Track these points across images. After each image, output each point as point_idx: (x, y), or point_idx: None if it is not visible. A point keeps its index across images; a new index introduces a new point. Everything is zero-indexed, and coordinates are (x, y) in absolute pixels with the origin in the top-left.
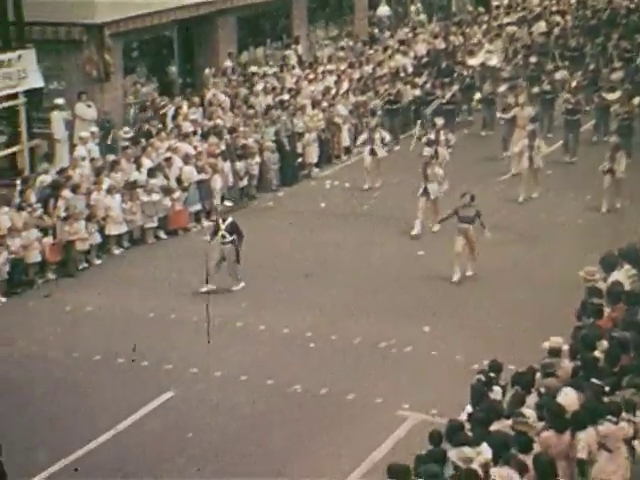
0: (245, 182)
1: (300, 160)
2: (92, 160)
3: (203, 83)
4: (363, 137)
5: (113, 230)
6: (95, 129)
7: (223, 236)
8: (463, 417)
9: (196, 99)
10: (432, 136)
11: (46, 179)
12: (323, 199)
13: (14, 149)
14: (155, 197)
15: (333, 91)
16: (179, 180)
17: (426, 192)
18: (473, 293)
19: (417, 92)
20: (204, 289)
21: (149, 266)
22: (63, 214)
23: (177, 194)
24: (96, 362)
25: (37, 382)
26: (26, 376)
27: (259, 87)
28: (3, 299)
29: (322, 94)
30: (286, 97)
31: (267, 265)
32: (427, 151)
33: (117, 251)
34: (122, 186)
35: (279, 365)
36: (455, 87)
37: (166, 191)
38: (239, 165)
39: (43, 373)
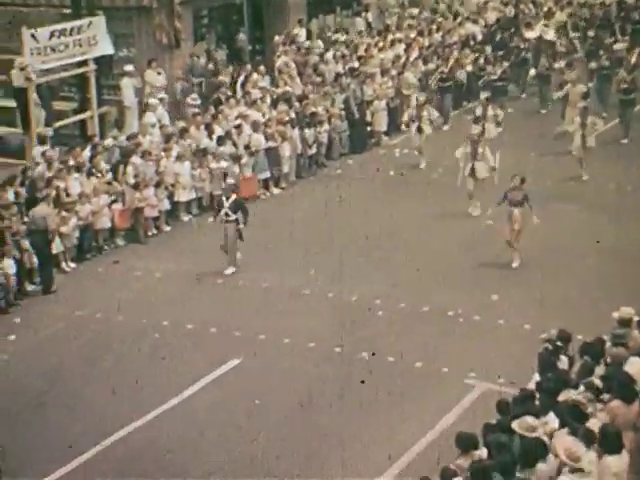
0: (314, 150)
1: (369, 128)
2: (162, 127)
3: (272, 50)
4: (410, 113)
5: (182, 197)
6: (164, 96)
7: (226, 214)
8: (531, 386)
9: (265, 67)
10: (479, 112)
11: (115, 146)
12: (392, 167)
13: (84, 116)
14: (224, 164)
15: (403, 59)
16: (248, 147)
17: (474, 172)
18: (542, 262)
19: (470, 68)
20: (228, 271)
21: (218, 233)
22: (132, 181)
23: (245, 161)
24: (164, 328)
25: (106, 347)
26: (95, 341)
27: (329, 55)
28: (73, 265)
29: (392, 62)
30: (356, 65)
31: (335, 233)
32: (474, 128)
33: (186, 218)
34: (191, 153)
35: (347, 333)
36: (506, 63)
37: (235, 158)
38: (308, 133)
39: (112, 338)
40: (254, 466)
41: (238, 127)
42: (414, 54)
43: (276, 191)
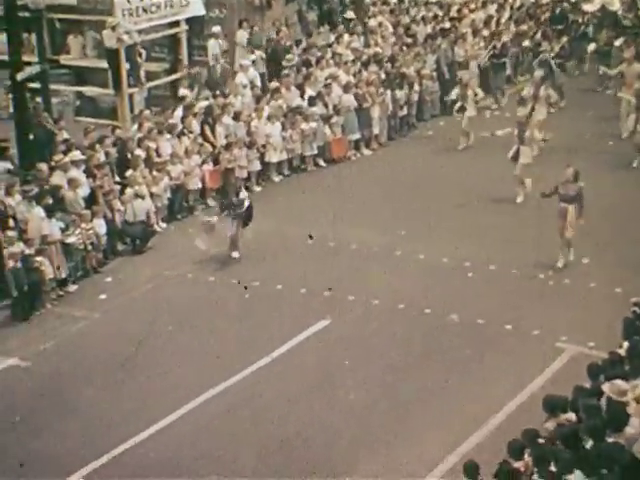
0: (405, 111)
1: None
2: (253, 87)
3: (364, 11)
4: (456, 92)
5: (273, 157)
6: (256, 56)
7: (234, 208)
8: (622, 351)
9: (357, 27)
10: (530, 92)
11: (206, 107)
12: (484, 128)
13: (176, 76)
14: (315, 125)
15: (494, 20)
16: (338, 108)
17: (517, 156)
18: (633, 225)
19: (526, 43)
20: (235, 254)
21: (308, 194)
22: (223, 141)
23: (336, 121)
24: (255, 288)
25: (196, 308)
26: (186, 302)
27: (420, 15)
28: (164, 225)
29: (483, 22)
30: (447, 25)
31: (425, 194)
32: (521, 110)
33: (277, 178)
34: (282, 114)
35: (437, 294)
36: (565, 38)
37: (326, 119)
38: (399, 94)
39: (203, 299)
40: (347, 424)
41: (329, 88)
42: (506, 15)
43: (367, 152)
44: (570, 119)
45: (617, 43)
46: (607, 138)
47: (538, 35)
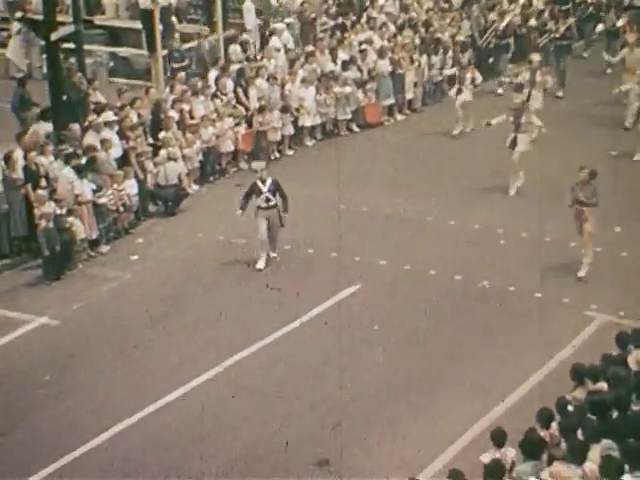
0: (439, 77)
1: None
2: (287, 51)
3: None
4: (452, 71)
5: (306, 121)
6: (291, 20)
7: (267, 199)
8: None
9: None
10: (525, 77)
11: (240, 69)
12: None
13: (211, 38)
14: (348, 89)
15: None
16: (372, 74)
17: (515, 144)
18: None
19: (533, 22)
20: (260, 265)
21: (341, 158)
22: (256, 104)
23: (370, 86)
24: (286, 251)
25: (226, 270)
26: (216, 264)
27: None
28: (196, 187)
29: None
30: None
31: (458, 161)
32: (517, 96)
33: (309, 142)
34: (316, 78)
35: (468, 261)
36: (571, 19)
37: (360, 84)
38: (434, 59)
39: (233, 262)
40: (377, 385)
41: (363, 52)
42: None
43: (400, 117)
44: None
45: (619, 23)
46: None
47: (545, 14)
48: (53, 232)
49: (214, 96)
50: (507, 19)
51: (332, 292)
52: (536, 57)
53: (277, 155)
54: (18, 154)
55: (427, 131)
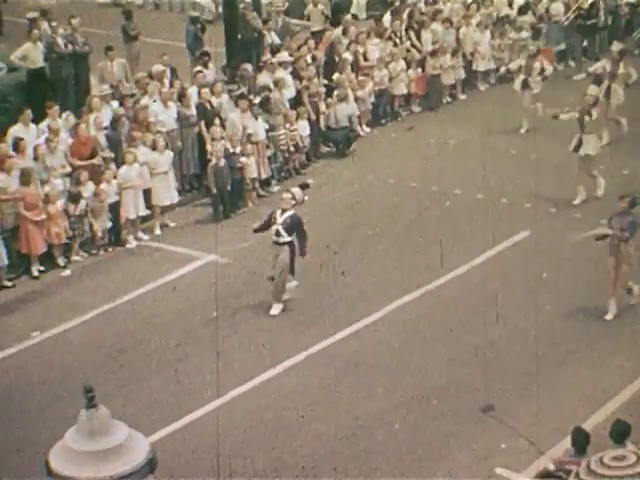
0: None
1: None
2: None
3: None
4: (518, 63)
5: (480, 66)
6: None
7: (277, 232)
8: None
9: None
10: (600, 68)
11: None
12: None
13: None
14: (524, 35)
15: None
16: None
17: (580, 147)
18: None
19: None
20: (275, 311)
21: (513, 103)
22: (431, 47)
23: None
24: (456, 196)
25: (398, 212)
26: (388, 205)
27: None
28: (367, 129)
29: None
30: None
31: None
32: (592, 89)
33: (483, 87)
34: (492, 22)
35: None
36: None
37: (535, 29)
38: None
39: (403, 204)
40: (538, 337)
41: None
42: None
43: (572, 63)
44: None
45: None
46: None
47: None
48: (224, 170)
49: (387, 38)
50: None
51: (501, 238)
52: (617, 46)
53: (449, 99)
54: (192, 92)
55: None
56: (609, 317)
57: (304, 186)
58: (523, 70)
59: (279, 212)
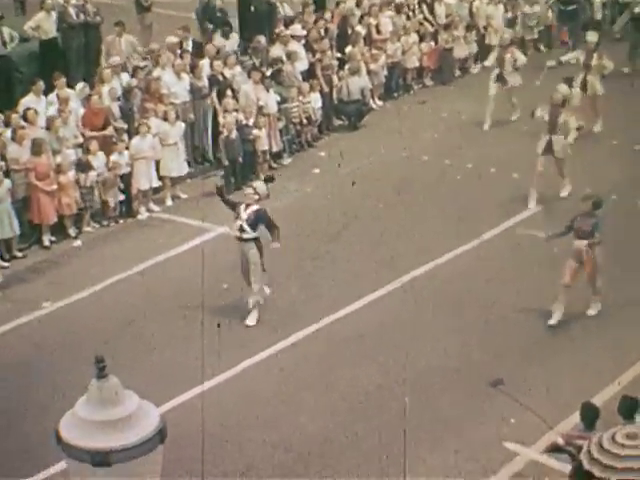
0: None
1: None
2: None
3: None
4: (493, 56)
5: (493, 40)
6: None
7: (241, 228)
8: None
9: None
10: (579, 58)
11: None
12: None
13: None
14: (536, 9)
15: None
16: None
17: (550, 148)
18: None
19: None
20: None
21: (527, 78)
22: (443, 21)
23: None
24: (467, 170)
25: (409, 185)
26: (401, 178)
27: None
28: (380, 102)
29: None
30: None
31: None
32: (562, 88)
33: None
34: None
35: None
36: None
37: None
38: None
39: (414, 178)
40: (548, 314)
41: None
42: None
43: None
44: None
45: None
46: None
47: None
48: (236, 142)
49: (401, 11)
50: None
51: (511, 213)
52: (591, 37)
53: (459, 72)
54: (204, 63)
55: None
56: (553, 322)
57: (268, 179)
58: (495, 63)
59: (243, 207)
